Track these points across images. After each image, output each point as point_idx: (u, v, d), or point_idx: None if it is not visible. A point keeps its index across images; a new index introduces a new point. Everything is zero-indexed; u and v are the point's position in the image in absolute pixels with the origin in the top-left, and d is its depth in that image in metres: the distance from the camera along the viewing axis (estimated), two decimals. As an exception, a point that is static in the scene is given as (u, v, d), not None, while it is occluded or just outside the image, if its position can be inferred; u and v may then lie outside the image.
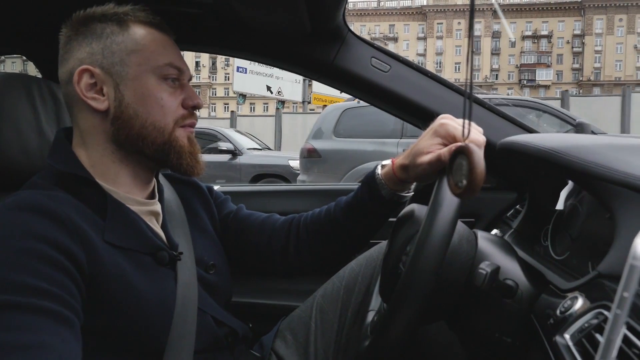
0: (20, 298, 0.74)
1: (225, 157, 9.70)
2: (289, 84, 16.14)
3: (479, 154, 0.69)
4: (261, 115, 15.73)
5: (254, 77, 15.12)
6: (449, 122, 0.99)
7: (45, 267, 0.78)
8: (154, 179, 1.09)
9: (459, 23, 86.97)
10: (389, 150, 6.34)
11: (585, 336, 0.67)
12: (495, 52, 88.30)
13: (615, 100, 12.21)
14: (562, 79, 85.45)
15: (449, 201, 0.79)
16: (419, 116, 1.35)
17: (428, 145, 0.99)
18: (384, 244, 1.26)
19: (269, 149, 11.09)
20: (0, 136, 1.06)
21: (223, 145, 9.77)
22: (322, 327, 1.25)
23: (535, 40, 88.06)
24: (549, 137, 1.05)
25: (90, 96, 0.96)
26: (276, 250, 1.22)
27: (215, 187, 1.33)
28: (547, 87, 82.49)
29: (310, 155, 7.13)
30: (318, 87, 16.02)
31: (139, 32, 0.98)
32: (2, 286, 0.74)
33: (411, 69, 1.35)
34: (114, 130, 0.97)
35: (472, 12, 0.64)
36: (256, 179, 9.47)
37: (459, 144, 0.73)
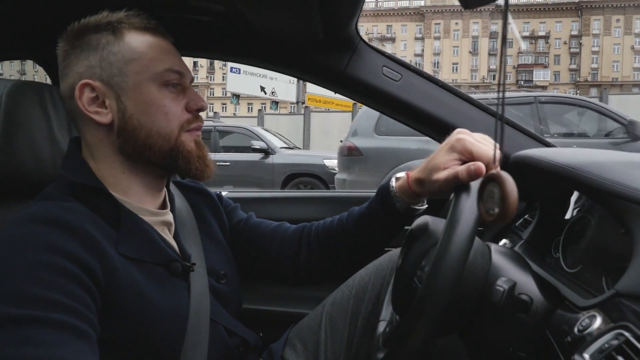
0: (37, 312, 0.73)
1: (256, 157, 9.49)
2: (283, 84, 16.15)
3: (511, 183, 0.68)
4: (287, 114, 15.65)
5: (247, 77, 15.16)
6: (466, 137, 0.98)
7: (61, 279, 0.78)
8: (165, 188, 1.08)
9: (457, 24, 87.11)
10: (432, 148, 6.23)
11: (605, 357, 0.66)
12: (493, 53, 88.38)
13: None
14: (560, 79, 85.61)
15: (467, 218, 0.79)
16: (430, 126, 1.35)
17: (445, 161, 0.98)
18: (393, 252, 1.27)
19: (298, 148, 10.83)
20: (14, 144, 1.05)
21: (256, 144, 9.53)
22: (332, 336, 1.24)
23: (533, 41, 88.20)
24: (564, 152, 1.05)
25: (92, 110, 0.95)
26: (287, 259, 1.22)
27: (224, 194, 1.32)
28: (544, 87, 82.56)
29: (350, 154, 7.00)
30: (312, 88, 16.01)
31: (134, 39, 0.96)
32: (18, 300, 0.74)
33: (422, 79, 1.34)
34: (120, 142, 0.96)
35: (504, 37, 0.62)
36: (289, 179, 9.25)
37: (492, 171, 0.73)
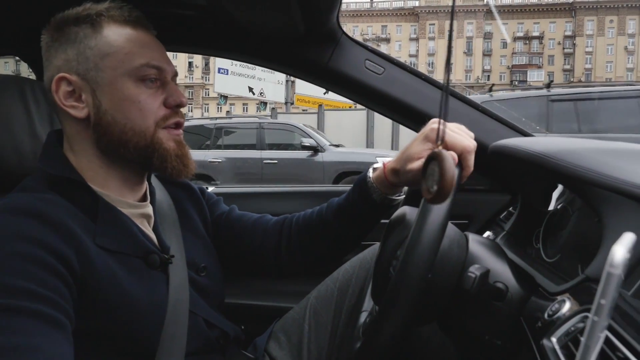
0: (12, 301, 0.74)
1: (304, 154, 9.27)
2: (271, 85, 16.07)
3: (450, 161, 0.69)
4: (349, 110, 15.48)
5: (235, 78, 15.07)
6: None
7: (37, 269, 0.78)
8: (146, 182, 1.08)
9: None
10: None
11: (571, 340, 0.68)
12: (487, 53, 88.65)
13: None
14: (554, 80, 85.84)
15: (439, 206, 0.80)
16: (413, 118, 1.35)
17: (419, 151, 0.99)
18: (377, 246, 1.26)
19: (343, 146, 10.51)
20: None
21: (306, 141, 9.30)
22: (315, 328, 1.25)
23: (527, 42, 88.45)
24: (540, 141, 1.05)
25: (69, 104, 0.94)
26: (268, 251, 1.22)
27: (210, 189, 1.33)
28: (538, 88, 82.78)
29: None
30: (300, 88, 15.96)
31: (112, 33, 0.94)
32: None
33: (405, 71, 1.35)
34: (96, 137, 0.95)
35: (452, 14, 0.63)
36: (341, 177, 9.01)
37: (434, 150, 0.73)
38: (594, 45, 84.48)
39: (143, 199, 1.06)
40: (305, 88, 15.88)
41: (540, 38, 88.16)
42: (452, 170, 0.68)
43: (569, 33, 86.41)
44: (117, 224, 0.95)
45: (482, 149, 0.98)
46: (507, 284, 0.88)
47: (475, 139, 0.97)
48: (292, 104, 16.65)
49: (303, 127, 9.96)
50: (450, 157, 0.70)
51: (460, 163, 0.93)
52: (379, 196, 1.10)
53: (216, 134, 10.36)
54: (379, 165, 1.11)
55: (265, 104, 16.82)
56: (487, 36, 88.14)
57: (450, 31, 0.62)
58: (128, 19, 0.96)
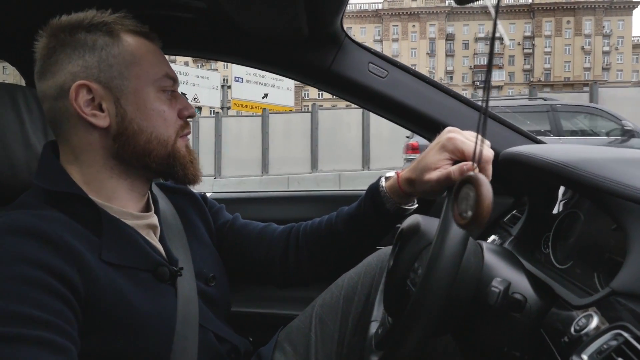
0: (12, 328, 0.70)
1: (608, 141, 8.40)
2: (205, 90, 16.16)
3: (487, 187, 0.65)
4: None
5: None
6: (457, 136, 0.97)
7: (38, 293, 0.74)
8: (148, 191, 1.05)
9: (414, 26, 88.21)
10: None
11: (604, 358, 0.65)
12: (450, 54, 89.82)
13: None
14: (514, 79, 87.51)
15: (457, 230, 0.78)
16: (417, 122, 1.34)
17: (436, 161, 0.97)
18: (382, 251, 1.25)
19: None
20: None
21: (629, 124, 8.53)
22: (322, 337, 1.22)
23: (488, 42, 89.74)
24: (555, 149, 1.04)
25: (89, 112, 0.91)
26: (275, 261, 1.19)
27: (209, 194, 1.30)
28: (499, 87, 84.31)
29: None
30: (237, 93, 15.99)
31: (132, 43, 0.94)
32: None
33: (409, 75, 1.33)
34: (118, 147, 0.93)
35: (493, 34, 0.62)
36: None
37: (469, 173, 0.71)
38: (552, 45, 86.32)
39: (146, 208, 1.03)
40: (242, 92, 15.95)
41: (501, 39, 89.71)
42: (490, 197, 0.65)
43: (528, 34, 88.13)
44: (123, 237, 0.92)
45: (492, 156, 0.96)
46: (525, 295, 0.87)
47: None
48: (228, 108, 16.61)
49: (609, 110, 9.04)
50: (488, 182, 0.66)
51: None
52: (392, 206, 1.08)
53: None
54: (391, 174, 1.09)
55: (200, 109, 16.74)
56: (449, 37, 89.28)
57: (491, 50, 0.61)
58: (141, 30, 0.97)
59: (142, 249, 0.94)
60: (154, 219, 1.02)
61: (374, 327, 1.09)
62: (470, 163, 0.89)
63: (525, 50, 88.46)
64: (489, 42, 0.63)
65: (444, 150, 0.97)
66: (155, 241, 1.00)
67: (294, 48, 1.33)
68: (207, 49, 1.42)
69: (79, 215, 0.89)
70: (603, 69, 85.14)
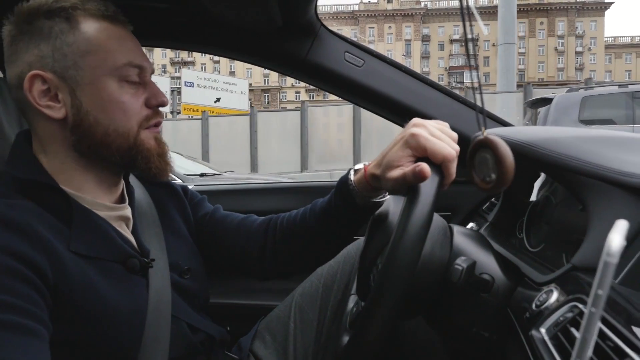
0: None
1: None
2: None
3: (504, 145, 0.65)
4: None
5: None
6: (421, 132, 0.89)
7: (7, 278, 0.73)
8: (123, 182, 1.03)
9: (390, 27, 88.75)
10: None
11: (560, 330, 0.67)
12: (425, 56, 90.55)
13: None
14: (489, 80, 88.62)
15: (420, 209, 0.76)
16: (394, 111, 1.33)
17: (398, 158, 0.90)
18: (361, 240, 1.24)
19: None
20: None
21: None
22: (301, 326, 1.23)
23: (463, 44, 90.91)
24: (522, 130, 1.04)
25: (44, 104, 0.88)
26: (253, 253, 1.16)
27: (190, 187, 1.27)
28: (475, 89, 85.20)
29: None
30: (187, 97, 15.98)
31: (91, 29, 0.89)
32: None
33: (385, 64, 1.33)
34: (75, 139, 0.90)
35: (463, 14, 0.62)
36: None
37: (479, 137, 0.69)
38: (526, 46, 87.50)
39: (120, 200, 1.01)
40: (193, 97, 15.87)
41: (476, 40, 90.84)
42: (510, 156, 0.66)
43: (487, 33, 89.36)
44: (93, 228, 0.90)
45: (463, 140, 0.93)
46: (493, 275, 0.87)
47: (456, 130, 0.93)
48: (178, 113, 16.54)
49: None
50: (503, 141, 0.66)
51: (442, 172, 0.86)
52: (362, 200, 1.03)
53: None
54: (360, 167, 1.04)
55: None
56: (425, 39, 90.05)
57: (466, 39, 0.57)
58: (105, 13, 0.91)
59: (112, 240, 0.92)
60: (127, 211, 1.00)
61: (351, 302, 1.11)
62: (422, 165, 0.82)
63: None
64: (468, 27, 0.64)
65: (407, 147, 0.90)
66: (127, 233, 0.98)
67: (268, 38, 1.32)
68: (182, 40, 1.40)
69: (50, 204, 0.87)
70: (576, 69, 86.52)
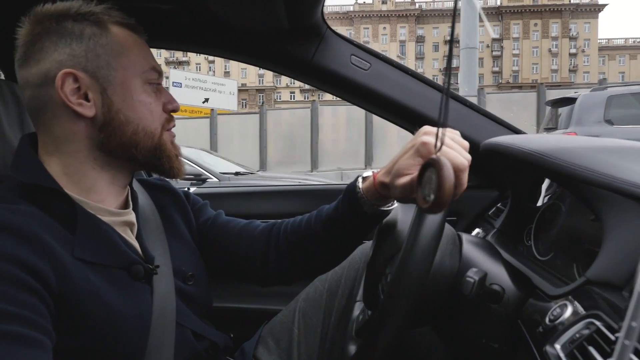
0: None
1: None
2: None
3: (449, 169, 0.66)
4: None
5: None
6: (432, 140, 0.88)
7: (10, 288, 0.73)
8: (128, 187, 1.03)
9: (384, 28, 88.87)
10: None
11: (577, 347, 0.65)
12: (420, 57, 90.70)
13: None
14: (484, 81, 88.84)
15: (429, 228, 0.74)
16: (400, 115, 1.33)
17: (408, 166, 0.90)
18: (366, 245, 1.24)
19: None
20: None
21: None
22: (305, 332, 1.22)
23: (457, 45, 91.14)
24: (533, 139, 1.02)
25: (75, 102, 0.89)
26: (255, 259, 1.15)
27: (192, 190, 1.27)
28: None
29: None
30: (175, 98, 16.07)
31: (119, 34, 0.93)
32: None
33: (391, 67, 1.32)
34: (104, 137, 0.91)
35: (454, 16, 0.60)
36: None
37: (431, 156, 0.70)
38: (520, 47, 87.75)
39: (125, 205, 1.01)
40: (180, 97, 15.90)
41: (456, 41, 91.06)
42: (451, 179, 0.66)
43: (496, 36, 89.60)
44: (98, 234, 0.90)
45: (472, 147, 0.92)
46: (503, 286, 0.86)
47: (465, 136, 0.92)
48: None
49: None
50: (449, 164, 0.67)
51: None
52: (370, 208, 1.03)
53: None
54: (368, 174, 1.04)
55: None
56: (420, 40, 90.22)
57: (452, 35, 0.59)
58: (129, 22, 0.96)
59: (117, 246, 0.92)
60: (132, 216, 1.00)
61: (357, 309, 1.10)
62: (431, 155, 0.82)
63: (494, 53, 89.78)
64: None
65: (417, 156, 0.90)
66: (131, 238, 0.98)
67: (275, 40, 1.31)
68: (187, 42, 1.39)
69: (54, 210, 0.87)
70: (570, 70, 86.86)
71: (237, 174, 7.31)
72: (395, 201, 1.05)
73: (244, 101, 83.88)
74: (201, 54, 1.50)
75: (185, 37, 1.37)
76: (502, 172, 1.25)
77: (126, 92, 0.92)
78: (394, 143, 12.59)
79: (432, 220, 0.74)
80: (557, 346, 0.68)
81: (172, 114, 1.01)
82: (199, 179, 6.77)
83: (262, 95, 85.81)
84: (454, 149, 0.86)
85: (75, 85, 0.89)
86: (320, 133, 14.32)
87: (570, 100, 7.39)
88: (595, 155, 0.85)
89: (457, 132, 0.91)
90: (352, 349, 1.07)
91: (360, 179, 1.04)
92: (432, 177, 0.68)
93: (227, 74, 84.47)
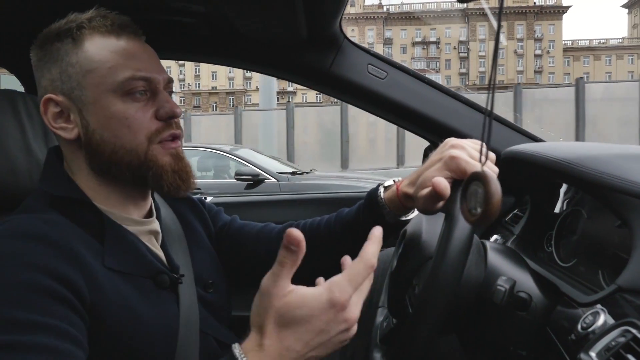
0: (15, 336, 0.67)
1: None
2: None
3: (496, 182, 0.66)
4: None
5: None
6: (460, 154, 0.89)
7: (44, 300, 0.72)
8: (150, 197, 1.01)
9: (353, 30, 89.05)
10: None
11: (613, 355, 0.65)
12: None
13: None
14: (451, 83, 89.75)
15: (459, 240, 0.77)
16: (417, 124, 1.34)
17: (433, 178, 0.90)
18: (385, 252, 1.23)
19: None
20: None
21: None
22: None
23: (425, 47, 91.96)
24: (557, 147, 1.04)
25: (58, 126, 0.89)
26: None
27: (207, 200, 1.27)
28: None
29: None
30: None
31: (93, 46, 0.88)
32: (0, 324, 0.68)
33: (408, 75, 1.33)
34: (88, 157, 0.90)
35: (499, 21, 0.62)
36: None
37: (477, 170, 0.70)
38: (487, 49, 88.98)
39: (149, 214, 1.00)
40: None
41: (437, 43, 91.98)
42: (499, 193, 0.66)
43: (463, 38, 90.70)
44: (125, 244, 0.89)
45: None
46: (530, 293, 0.87)
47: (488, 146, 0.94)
48: None
49: None
50: (496, 178, 0.67)
51: None
52: (391, 218, 1.03)
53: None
54: (390, 183, 1.05)
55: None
56: (387, 42, 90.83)
57: (495, 51, 0.60)
58: (111, 27, 0.90)
59: (143, 255, 0.91)
60: (156, 225, 0.99)
61: (380, 315, 1.10)
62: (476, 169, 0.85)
63: (460, 54, 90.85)
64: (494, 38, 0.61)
65: (446, 169, 0.90)
66: (156, 248, 0.97)
67: (293, 51, 1.32)
68: (207, 53, 1.40)
69: (82, 220, 0.87)
70: (535, 72, 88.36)
71: (293, 173, 7.03)
72: (414, 210, 1.05)
73: (214, 104, 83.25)
74: (220, 64, 1.50)
75: (205, 48, 1.37)
76: (520, 179, 1.26)
77: (99, 111, 0.88)
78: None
79: (461, 232, 0.77)
80: (592, 354, 0.68)
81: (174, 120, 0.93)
82: (257, 180, 6.48)
83: (233, 98, 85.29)
84: (476, 162, 0.87)
85: (57, 110, 0.89)
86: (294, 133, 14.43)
87: None
88: (621, 163, 0.86)
89: (479, 142, 0.91)
90: (378, 356, 1.06)
91: (382, 188, 1.05)
92: (478, 191, 0.68)
93: (197, 77, 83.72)
